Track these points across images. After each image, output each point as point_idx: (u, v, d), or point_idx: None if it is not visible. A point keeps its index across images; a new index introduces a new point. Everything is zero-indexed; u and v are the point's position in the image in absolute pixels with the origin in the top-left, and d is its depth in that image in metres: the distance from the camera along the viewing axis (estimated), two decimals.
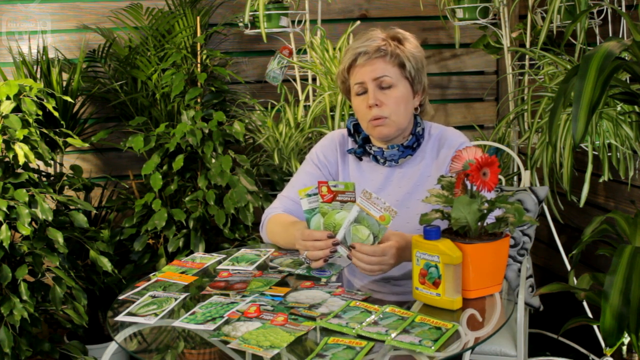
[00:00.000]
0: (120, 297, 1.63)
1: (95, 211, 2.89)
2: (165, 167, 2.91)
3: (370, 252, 1.60)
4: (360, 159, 1.94)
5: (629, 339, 1.96)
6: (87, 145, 2.85)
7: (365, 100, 1.83)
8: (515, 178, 2.97)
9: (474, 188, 1.49)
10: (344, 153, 1.97)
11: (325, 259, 1.67)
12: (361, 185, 1.90)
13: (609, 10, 2.75)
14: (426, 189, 1.85)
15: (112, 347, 1.56)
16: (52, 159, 2.70)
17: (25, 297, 2.42)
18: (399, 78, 1.83)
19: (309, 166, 2.00)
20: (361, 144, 1.92)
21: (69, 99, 2.80)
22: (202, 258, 1.89)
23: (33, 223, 2.52)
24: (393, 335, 1.33)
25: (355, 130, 1.94)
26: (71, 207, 2.78)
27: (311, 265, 1.70)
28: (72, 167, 2.94)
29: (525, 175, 2.65)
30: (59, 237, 2.49)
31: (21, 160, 2.44)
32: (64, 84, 3.00)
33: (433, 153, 1.89)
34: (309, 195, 1.68)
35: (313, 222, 1.69)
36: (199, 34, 3.00)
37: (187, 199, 2.83)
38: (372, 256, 1.60)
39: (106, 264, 2.62)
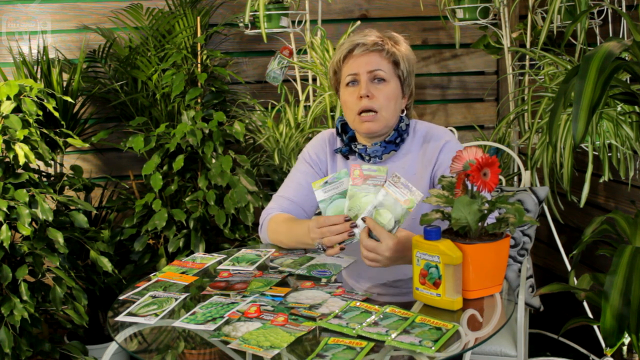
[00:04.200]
0: (121, 297, 1.63)
1: (95, 211, 2.89)
2: (165, 168, 2.91)
3: (371, 226, 1.58)
4: (347, 158, 1.95)
5: (629, 339, 1.96)
6: (87, 145, 2.85)
7: (356, 92, 1.84)
8: (516, 178, 2.97)
9: (475, 188, 1.49)
10: (333, 151, 1.99)
11: (342, 246, 1.65)
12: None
13: (609, 11, 2.75)
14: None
15: (113, 347, 1.56)
16: (53, 159, 2.70)
17: (25, 298, 2.42)
18: (391, 75, 1.85)
19: (302, 165, 2.01)
20: (347, 143, 1.93)
21: (69, 99, 2.80)
22: (202, 258, 1.89)
23: (33, 223, 2.52)
24: (393, 335, 1.33)
25: (342, 130, 1.95)
26: (71, 208, 2.78)
27: (327, 253, 1.67)
28: (73, 167, 2.94)
29: (526, 176, 2.66)
30: (59, 238, 2.49)
31: (21, 160, 2.44)
32: (64, 84, 3.00)
33: (418, 149, 1.90)
34: (324, 185, 1.66)
35: (330, 209, 1.67)
36: (199, 34, 3.00)
37: (187, 199, 2.84)
38: (368, 239, 1.58)
39: (106, 264, 2.62)
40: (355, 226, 1.63)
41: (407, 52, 1.88)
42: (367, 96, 1.82)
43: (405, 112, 1.92)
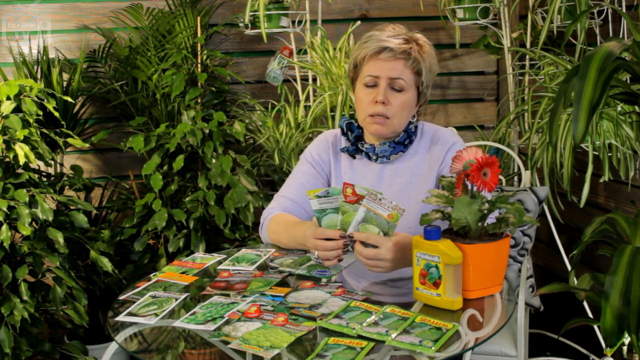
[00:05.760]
0: (121, 297, 1.63)
1: (95, 211, 2.89)
2: (165, 168, 2.91)
3: (364, 238, 1.60)
4: (353, 157, 1.94)
5: (629, 339, 1.96)
6: (87, 145, 2.85)
7: (372, 94, 1.84)
8: (516, 178, 2.97)
9: (475, 188, 1.49)
10: (336, 152, 1.98)
11: (339, 258, 1.67)
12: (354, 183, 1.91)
13: (609, 11, 2.75)
14: (418, 187, 1.85)
15: (113, 347, 1.56)
16: (53, 159, 2.70)
17: (25, 297, 2.42)
18: (411, 84, 1.84)
19: (304, 165, 2.01)
20: (354, 142, 1.92)
21: (69, 99, 2.80)
22: (202, 258, 1.89)
23: (33, 223, 2.52)
24: (393, 335, 1.33)
25: (348, 129, 1.95)
26: (71, 207, 2.78)
27: (324, 264, 1.70)
28: (73, 167, 2.94)
29: (526, 176, 2.66)
30: (59, 238, 2.49)
31: (21, 160, 2.44)
32: (65, 84, 3.00)
33: (425, 150, 1.90)
34: (319, 197, 1.68)
35: (325, 221, 1.69)
36: (199, 34, 3.00)
37: (187, 199, 2.84)
38: (367, 248, 1.60)
39: (106, 264, 2.62)
40: (349, 243, 1.64)
41: (431, 60, 1.87)
42: (383, 103, 1.82)
43: (415, 117, 1.92)
